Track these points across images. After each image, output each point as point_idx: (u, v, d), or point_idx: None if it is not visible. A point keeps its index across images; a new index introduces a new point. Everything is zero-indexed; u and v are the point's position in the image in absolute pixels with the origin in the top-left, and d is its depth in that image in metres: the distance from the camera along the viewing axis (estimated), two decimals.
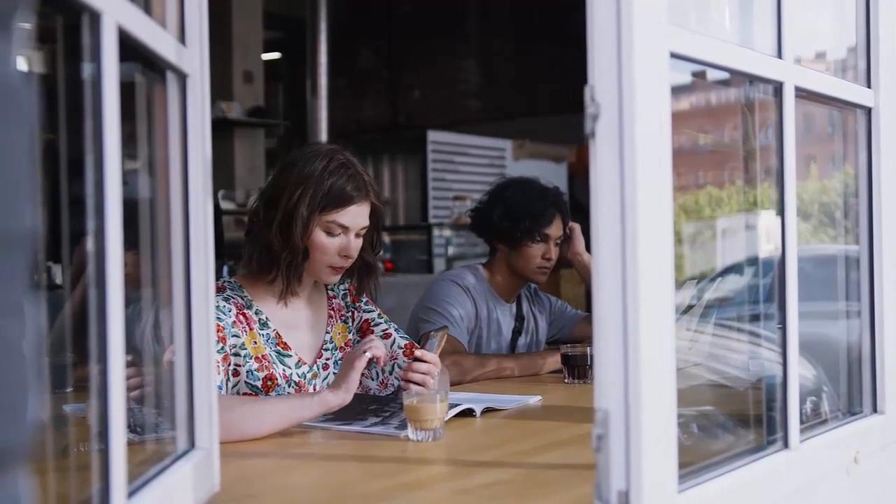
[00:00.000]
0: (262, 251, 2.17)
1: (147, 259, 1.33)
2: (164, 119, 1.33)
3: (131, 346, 1.06)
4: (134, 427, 1.32)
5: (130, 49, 1.09)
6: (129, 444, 1.05)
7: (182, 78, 1.33)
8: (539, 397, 2.34)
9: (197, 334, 1.37)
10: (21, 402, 0.56)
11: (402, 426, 1.90)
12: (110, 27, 1.00)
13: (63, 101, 1.06)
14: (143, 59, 1.22)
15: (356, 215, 2.18)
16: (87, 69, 1.00)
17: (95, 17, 0.98)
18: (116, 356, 1.01)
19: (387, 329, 2.35)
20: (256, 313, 2.20)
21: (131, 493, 1.08)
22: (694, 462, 1.33)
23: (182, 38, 1.33)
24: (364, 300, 2.39)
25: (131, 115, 1.23)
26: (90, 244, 0.99)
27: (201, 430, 1.37)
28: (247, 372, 2.12)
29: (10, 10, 0.56)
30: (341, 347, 2.32)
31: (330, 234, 2.16)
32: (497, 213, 2.98)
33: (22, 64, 0.59)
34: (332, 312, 2.35)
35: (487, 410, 2.16)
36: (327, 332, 2.31)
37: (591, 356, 2.62)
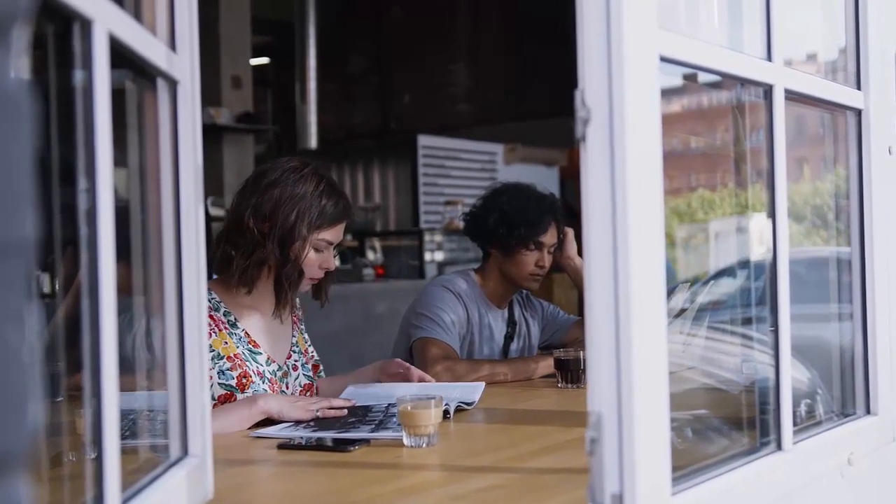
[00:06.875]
0: (255, 266, 2.23)
1: (138, 267, 1.33)
2: (155, 126, 1.32)
3: (122, 356, 1.06)
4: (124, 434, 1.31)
5: (120, 56, 1.09)
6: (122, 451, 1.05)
7: (173, 85, 1.33)
8: (482, 384, 2.40)
9: (189, 342, 1.36)
10: (22, 407, 0.57)
11: (400, 429, 1.89)
12: (101, 34, 1.00)
13: (53, 107, 1.05)
14: (134, 66, 1.22)
15: (341, 232, 2.32)
16: (77, 76, 0.99)
17: (86, 25, 0.98)
18: (109, 365, 1.01)
19: (296, 362, 2.41)
20: (225, 315, 2.26)
21: (125, 501, 1.08)
22: (688, 465, 1.34)
23: (172, 44, 1.33)
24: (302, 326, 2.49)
25: (121, 122, 1.23)
26: (83, 252, 0.98)
27: (194, 437, 1.37)
28: (219, 373, 2.18)
29: (10, 20, 0.56)
30: (304, 352, 2.43)
31: (317, 250, 2.27)
32: (492, 219, 2.96)
33: (21, 72, 0.59)
34: (295, 319, 2.45)
35: (460, 410, 2.19)
36: (293, 336, 2.42)
37: (584, 360, 2.62)
